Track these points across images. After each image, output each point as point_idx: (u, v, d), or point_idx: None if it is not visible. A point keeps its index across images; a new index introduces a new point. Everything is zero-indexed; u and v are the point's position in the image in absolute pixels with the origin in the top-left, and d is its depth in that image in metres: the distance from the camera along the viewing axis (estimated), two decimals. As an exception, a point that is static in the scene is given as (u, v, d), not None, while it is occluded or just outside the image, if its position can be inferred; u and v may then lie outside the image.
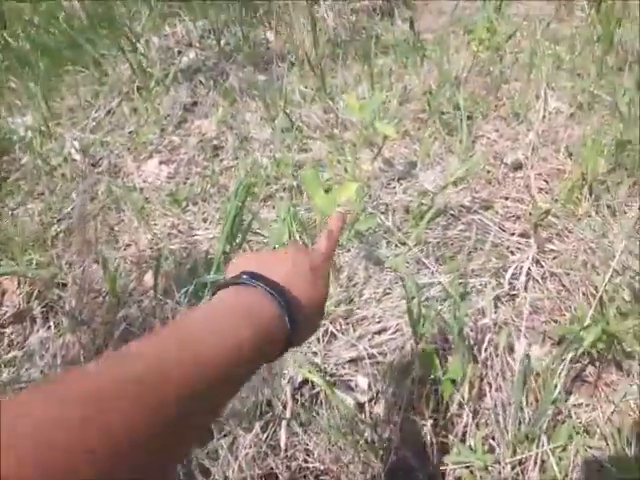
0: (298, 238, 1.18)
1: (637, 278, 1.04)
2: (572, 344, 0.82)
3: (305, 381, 1.00)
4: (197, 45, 2.18)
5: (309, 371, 0.93)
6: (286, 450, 0.88)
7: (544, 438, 0.75)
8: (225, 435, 0.89)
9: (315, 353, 1.05)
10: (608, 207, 1.32)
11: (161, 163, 1.68)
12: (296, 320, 0.39)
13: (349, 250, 1.25)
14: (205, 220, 1.42)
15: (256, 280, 0.39)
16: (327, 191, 1.03)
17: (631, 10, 2.15)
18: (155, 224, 1.46)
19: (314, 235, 1.18)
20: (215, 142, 1.71)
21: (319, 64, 1.90)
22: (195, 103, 1.93)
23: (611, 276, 1.06)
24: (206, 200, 1.50)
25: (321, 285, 0.45)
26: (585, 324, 0.83)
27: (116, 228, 1.47)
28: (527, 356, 0.86)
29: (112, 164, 1.69)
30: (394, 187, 1.45)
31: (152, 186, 1.58)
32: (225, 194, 1.50)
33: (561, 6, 2.32)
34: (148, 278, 1.23)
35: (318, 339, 1.07)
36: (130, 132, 1.80)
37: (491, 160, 1.53)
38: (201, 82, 1.98)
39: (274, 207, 1.41)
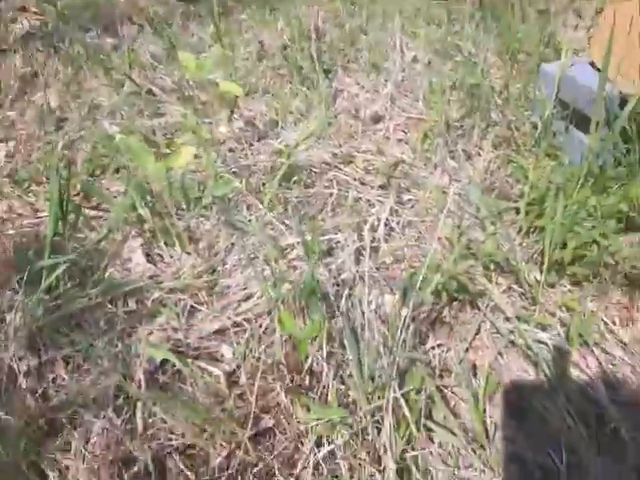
0: (142, 211, 1.09)
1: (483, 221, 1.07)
2: (417, 288, 0.83)
3: (167, 360, 0.94)
4: (33, 10, 1.95)
5: (160, 350, 0.87)
6: (145, 431, 0.82)
7: (395, 384, 0.76)
8: (75, 427, 0.82)
9: (175, 329, 0.99)
10: (464, 151, 1.36)
11: (-3, 142, 1.50)
12: None
13: (208, 218, 1.18)
14: (49, 200, 1.29)
15: None
16: (160, 158, 0.95)
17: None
18: (-5, 208, 1.31)
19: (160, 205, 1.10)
20: (58, 113, 1.55)
21: (168, 24, 1.78)
22: (35, 74, 1.74)
23: (461, 218, 1.09)
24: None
25: None
26: (426, 267, 0.84)
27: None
28: (379, 306, 0.86)
29: (-62, 147, 1.48)
30: (255, 147, 1.40)
31: (-12, 168, 1.41)
32: (73, 169, 1.37)
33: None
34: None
35: (177, 314, 1.01)
36: (-41, 110, 1.59)
37: (352, 113, 1.51)
38: (39, 50, 1.78)
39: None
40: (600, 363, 0.84)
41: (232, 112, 1.35)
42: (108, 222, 1.14)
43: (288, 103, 1.50)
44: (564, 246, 0.91)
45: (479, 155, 1.36)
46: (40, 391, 0.88)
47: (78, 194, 1.26)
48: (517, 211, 1.13)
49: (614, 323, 0.88)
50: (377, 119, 1.50)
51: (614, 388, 0.81)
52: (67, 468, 0.78)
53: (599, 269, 0.91)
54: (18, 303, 0.95)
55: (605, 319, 0.89)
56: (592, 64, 1.25)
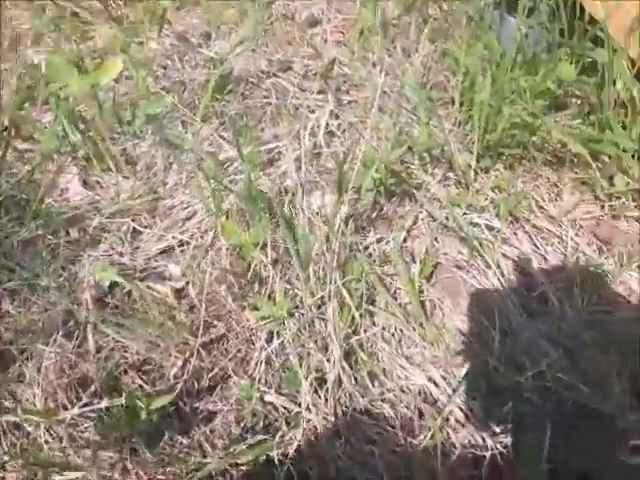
0: (73, 136, 1.06)
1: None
2: (353, 184, 0.84)
3: (115, 283, 0.95)
4: None
5: (105, 271, 0.88)
6: (98, 352, 0.85)
7: (336, 275, 0.78)
8: (28, 358, 0.83)
9: (121, 253, 0.99)
10: (403, 49, 1.33)
11: None
12: None
13: (144, 139, 1.16)
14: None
15: None
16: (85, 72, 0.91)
17: None
18: None
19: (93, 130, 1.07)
20: (-22, 46, 1.46)
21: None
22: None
23: (398, 114, 1.09)
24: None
25: None
26: (361, 157, 0.84)
27: None
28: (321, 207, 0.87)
29: None
30: (187, 62, 1.35)
31: None
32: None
33: None
34: None
35: (121, 239, 1.01)
36: None
37: (288, 18, 1.46)
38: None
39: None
40: (530, 237, 0.88)
41: (161, 27, 1.29)
42: (39, 151, 1.11)
43: (220, 13, 1.44)
44: (495, 128, 0.92)
45: (416, 51, 1.33)
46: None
47: (6, 129, 1.21)
48: (453, 102, 1.13)
49: (543, 200, 0.91)
50: (314, 22, 1.45)
51: (543, 258, 0.86)
52: (22, 395, 0.79)
53: (529, 149, 0.93)
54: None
55: (535, 197, 0.92)
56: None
